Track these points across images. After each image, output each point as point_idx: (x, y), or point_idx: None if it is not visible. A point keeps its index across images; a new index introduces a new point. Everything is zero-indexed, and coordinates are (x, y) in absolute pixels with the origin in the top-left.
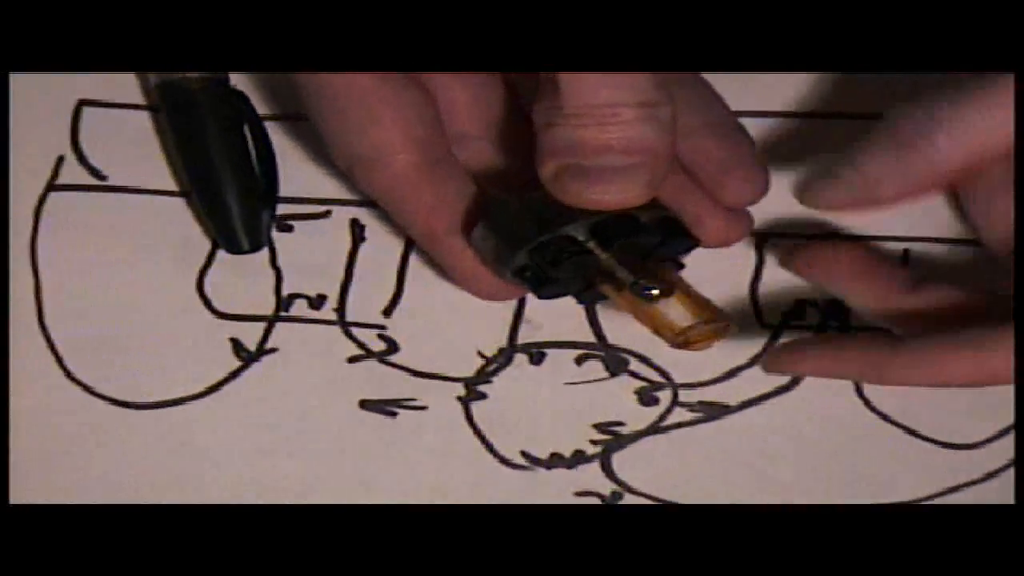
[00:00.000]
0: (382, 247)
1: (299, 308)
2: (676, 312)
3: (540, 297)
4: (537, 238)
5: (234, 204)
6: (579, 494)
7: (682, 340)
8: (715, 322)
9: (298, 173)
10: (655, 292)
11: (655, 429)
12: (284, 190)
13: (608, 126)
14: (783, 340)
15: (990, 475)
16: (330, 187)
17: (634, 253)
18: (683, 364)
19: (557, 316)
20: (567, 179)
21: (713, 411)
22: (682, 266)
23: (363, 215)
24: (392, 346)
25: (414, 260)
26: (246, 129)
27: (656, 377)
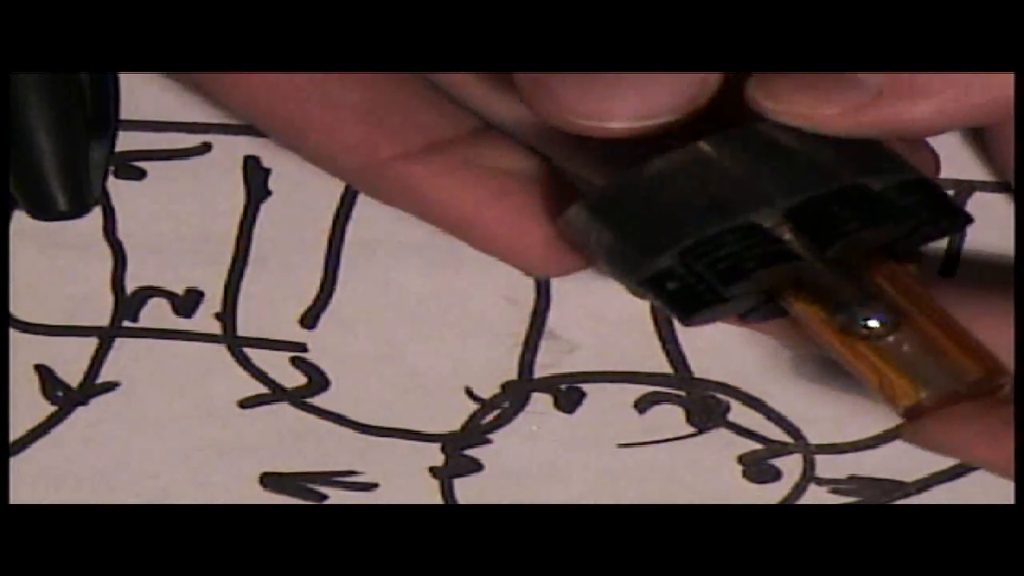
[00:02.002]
0: (301, 205)
1: (155, 313)
2: (916, 360)
3: (688, 323)
4: (701, 229)
5: (41, 134)
6: None
7: (917, 411)
8: (983, 381)
9: (154, 81)
10: (875, 325)
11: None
12: (128, 110)
13: None
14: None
15: None
16: (210, 104)
17: (857, 249)
18: (821, 411)
19: (603, 329)
20: (544, 88)
21: (876, 492)
22: (919, 257)
23: (265, 149)
24: (317, 380)
25: (356, 227)
26: None
27: (775, 433)
